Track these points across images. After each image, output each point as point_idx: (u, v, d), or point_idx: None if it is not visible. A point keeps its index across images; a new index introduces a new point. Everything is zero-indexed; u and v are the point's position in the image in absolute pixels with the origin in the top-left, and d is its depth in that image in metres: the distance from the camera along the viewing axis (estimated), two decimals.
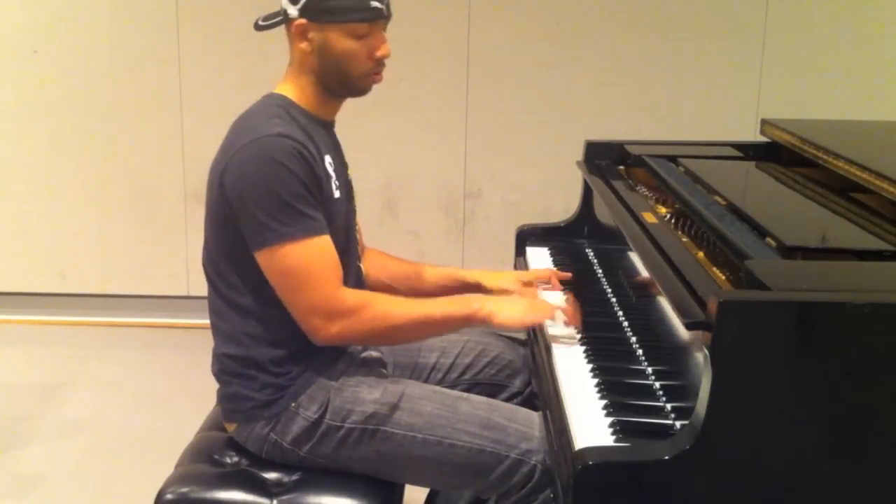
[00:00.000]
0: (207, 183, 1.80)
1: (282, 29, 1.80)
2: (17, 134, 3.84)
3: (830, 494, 1.36)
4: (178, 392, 3.32)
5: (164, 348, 3.75)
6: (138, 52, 3.76)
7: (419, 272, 2.10)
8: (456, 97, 3.66)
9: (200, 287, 4.16)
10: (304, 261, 1.67)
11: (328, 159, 1.77)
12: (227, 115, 4.13)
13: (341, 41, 1.72)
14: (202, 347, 3.71)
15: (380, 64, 1.77)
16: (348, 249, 1.86)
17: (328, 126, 1.84)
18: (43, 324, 3.93)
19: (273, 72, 3.87)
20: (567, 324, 1.85)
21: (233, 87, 3.77)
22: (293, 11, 1.73)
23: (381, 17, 1.74)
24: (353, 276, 1.87)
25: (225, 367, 1.81)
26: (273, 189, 1.65)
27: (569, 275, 2.14)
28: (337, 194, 1.78)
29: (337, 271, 1.70)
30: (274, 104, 1.76)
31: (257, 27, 1.82)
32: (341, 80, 1.77)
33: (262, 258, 1.68)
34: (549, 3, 3.68)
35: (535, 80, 3.70)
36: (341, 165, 1.84)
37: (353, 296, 1.71)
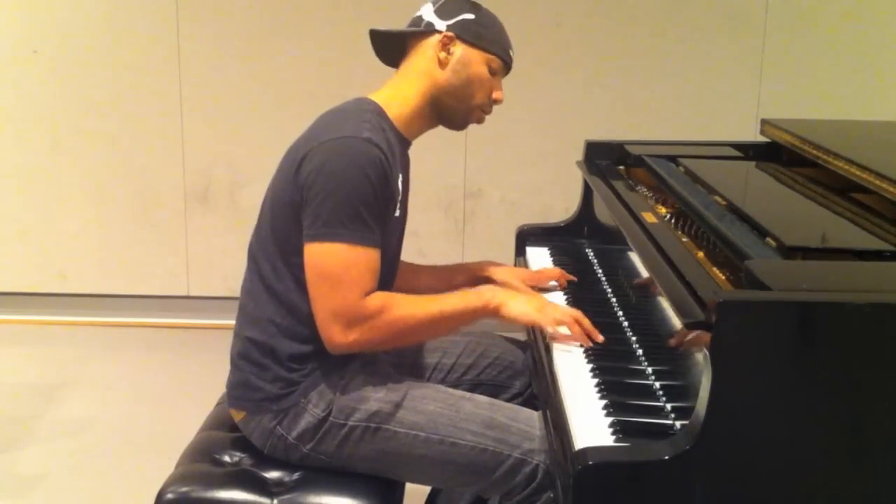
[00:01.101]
0: (279, 165, 1.80)
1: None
2: (17, 134, 3.84)
3: (830, 494, 1.36)
4: (178, 392, 3.32)
5: (164, 348, 3.75)
6: (138, 52, 3.76)
7: (431, 272, 2.13)
8: None
9: (200, 287, 4.18)
10: (345, 266, 1.67)
11: (400, 177, 1.79)
12: (227, 115, 4.13)
13: (479, 66, 1.84)
14: (202, 347, 3.72)
15: (491, 105, 1.89)
16: (392, 268, 1.89)
17: (407, 145, 1.87)
18: (43, 324, 3.93)
19: (273, 73, 3.89)
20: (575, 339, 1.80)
21: (233, 87, 3.78)
22: (441, 25, 1.82)
23: (510, 67, 1.91)
24: (389, 289, 1.88)
25: (244, 351, 1.80)
26: (347, 191, 1.66)
27: (575, 279, 2.13)
28: (397, 213, 1.80)
29: (370, 284, 1.70)
30: (367, 109, 1.78)
31: (377, 33, 1.87)
32: (458, 100, 1.84)
33: (310, 250, 1.69)
34: (549, 4, 3.68)
35: (534, 80, 3.70)
36: (407, 185, 1.86)
37: (373, 301, 1.70)
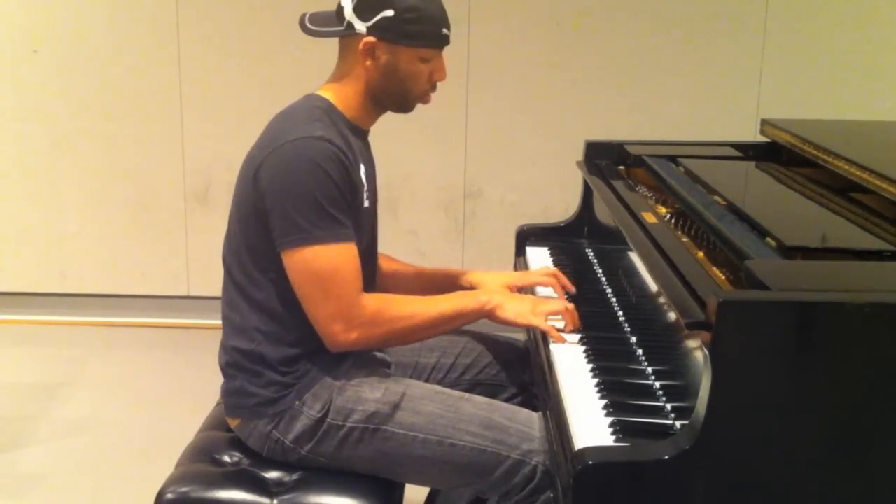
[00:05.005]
0: (239, 175, 1.80)
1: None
2: (17, 134, 3.84)
3: (830, 495, 1.36)
4: (178, 392, 3.32)
5: (164, 348, 3.75)
6: (138, 52, 3.76)
7: (418, 275, 2.11)
8: (456, 97, 3.66)
9: (200, 287, 4.18)
10: (333, 266, 1.67)
11: (363, 168, 1.78)
12: (227, 115, 4.13)
13: (410, 63, 1.76)
14: (202, 347, 3.71)
15: (434, 86, 1.83)
16: (370, 259, 1.89)
17: (364, 135, 1.85)
18: (43, 324, 3.93)
19: (273, 72, 3.89)
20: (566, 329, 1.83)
21: (233, 87, 3.77)
22: (361, 28, 1.73)
23: (446, 45, 1.80)
24: (372, 284, 1.89)
25: (232, 360, 1.80)
26: (311, 191, 1.66)
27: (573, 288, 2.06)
28: (367, 203, 1.80)
29: (360, 279, 1.71)
30: (316, 106, 1.77)
31: (307, 31, 1.81)
32: (400, 97, 1.80)
33: (289, 258, 1.69)
34: (549, 3, 3.68)
35: (534, 80, 3.70)
36: (372, 175, 1.85)
37: (371, 301, 1.72)
